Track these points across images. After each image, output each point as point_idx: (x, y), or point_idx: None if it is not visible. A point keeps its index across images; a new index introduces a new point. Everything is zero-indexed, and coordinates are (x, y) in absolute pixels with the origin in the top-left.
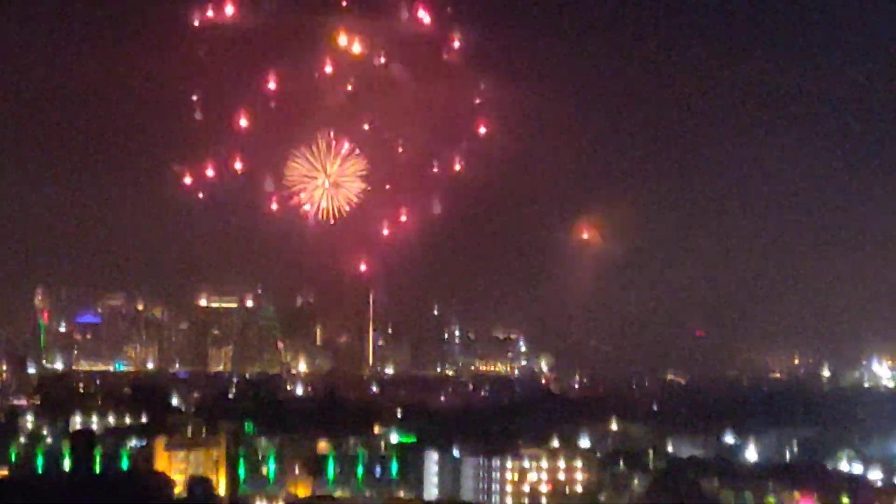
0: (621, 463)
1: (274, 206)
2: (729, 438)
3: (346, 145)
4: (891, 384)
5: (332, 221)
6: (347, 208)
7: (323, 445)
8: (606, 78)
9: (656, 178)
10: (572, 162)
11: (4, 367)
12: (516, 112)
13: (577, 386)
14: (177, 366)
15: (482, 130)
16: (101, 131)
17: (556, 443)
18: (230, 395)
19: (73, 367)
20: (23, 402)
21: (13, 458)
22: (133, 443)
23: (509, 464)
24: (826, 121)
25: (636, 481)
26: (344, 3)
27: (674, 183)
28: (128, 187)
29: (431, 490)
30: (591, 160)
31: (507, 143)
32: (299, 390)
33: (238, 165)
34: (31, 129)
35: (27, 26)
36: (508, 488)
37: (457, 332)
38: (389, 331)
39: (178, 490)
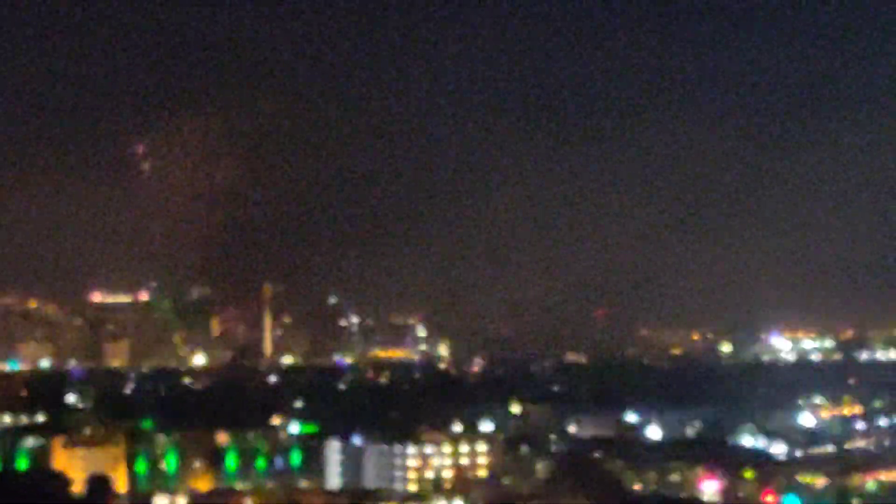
0: (524, 446)
1: None
2: (631, 417)
3: None
4: (790, 358)
5: None
6: None
7: (223, 438)
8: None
9: (549, 158)
10: (462, 143)
11: None
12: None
13: (477, 370)
14: (72, 363)
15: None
16: None
17: (457, 428)
18: (127, 392)
19: None
20: None
21: None
22: (30, 442)
23: (411, 450)
24: (714, 99)
25: (539, 464)
26: None
27: (566, 162)
28: (14, 185)
29: (334, 479)
30: (480, 138)
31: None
32: (197, 384)
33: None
34: None
35: None
36: (411, 475)
37: (354, 320)
38: (287, 320)
39: (78, 489)
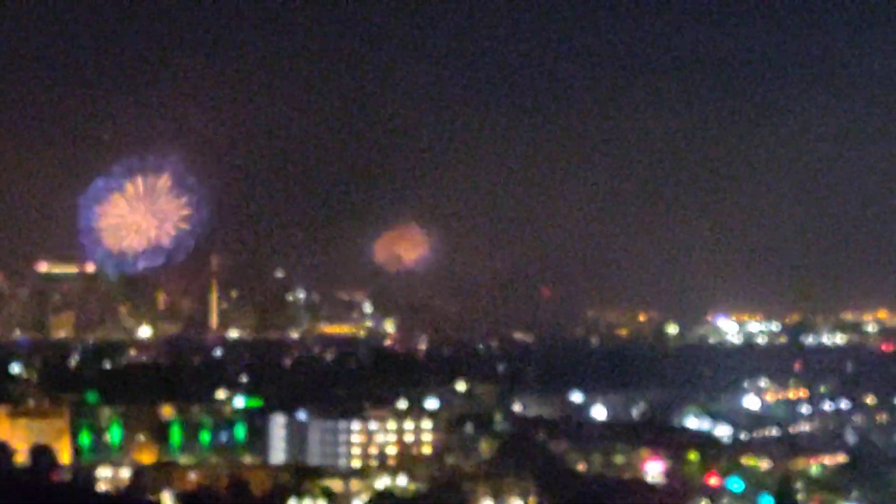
0: (469, 424)
1: None
2: (576, 398)
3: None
4: (736, 340)
5: None
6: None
7: (167, 412)
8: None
9: (495, 136)
10: (409, 115)
11: None
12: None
13: (423, 347)
14: (17, 333)
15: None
16: None
17: (402, 405)
18: (72, 363)
19: None
20: None
21: None
22: None
23: (356, 426)
24: (660, 79)
25: (484, 443)
26: None
27: (514, 138)
28: None
29: (278, 454)
30: (431, 112)
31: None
32: (143, 356)
33: None
34: None
35: None
36: (355, 451)
37: (301, 295)
38: (233, 294)
39: (21, 459)
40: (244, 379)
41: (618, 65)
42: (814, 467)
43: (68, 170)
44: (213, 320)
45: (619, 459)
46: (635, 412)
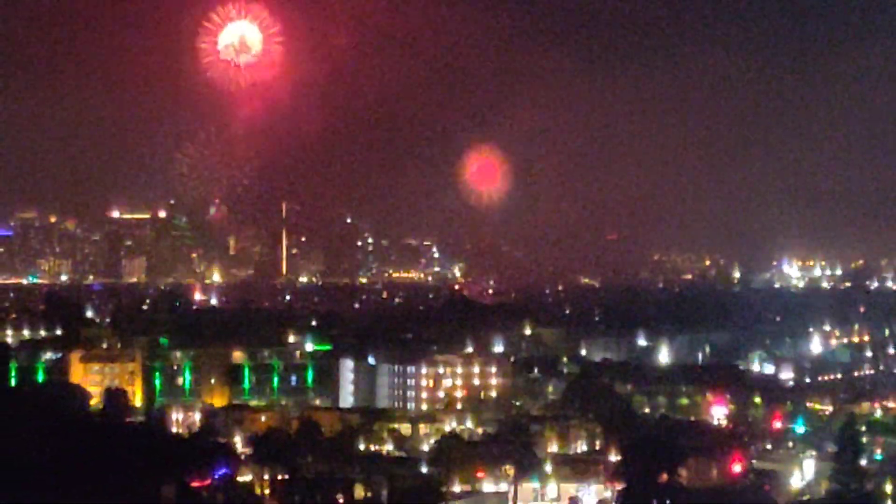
0: (535, 368)
1: None
2: (641, 341)
3: None
4: (800, 285)
5: None
6: None
7: (238, 355)
8: None
9: (564, 85)
10: (479, 65)
11: None
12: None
13: (490, 291)
14: (91, 278)
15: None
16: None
17: (470, 348)
18: (144, 307)
19: None
20: None
21: None
22: (49, 355)
23: (424, 370)
24: (728, 24)
25: (550, 386)
26: None
27: (584, 87)
28: (38, 102)
29: (347, 397)
30: (501, 65)
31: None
32: (213, 300)
33: None
34: None
35: None
36: (423, 394)
37: (370, 240)
38: (303, 240)
39: (95, 402)
40: (313, 323)
41: (682, 11)
42: (877, 411)
43: (141, 117)
44: (283, 266)
45: (683, 402)
46: (700, 356)
